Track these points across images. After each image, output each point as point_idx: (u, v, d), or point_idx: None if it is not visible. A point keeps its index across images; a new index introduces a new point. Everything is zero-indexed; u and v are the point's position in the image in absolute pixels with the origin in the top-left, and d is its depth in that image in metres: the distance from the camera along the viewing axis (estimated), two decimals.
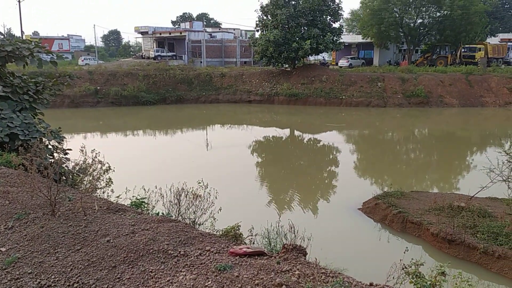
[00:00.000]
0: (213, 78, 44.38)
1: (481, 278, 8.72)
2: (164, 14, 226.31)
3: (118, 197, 7.82)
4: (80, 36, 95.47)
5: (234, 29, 79.60)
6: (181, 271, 4.36)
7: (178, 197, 6.80)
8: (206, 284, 4.08)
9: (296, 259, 4.68)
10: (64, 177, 8.03)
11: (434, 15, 50.33)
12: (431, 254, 9.88)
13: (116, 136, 28.94)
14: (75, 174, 8.33)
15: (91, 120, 34.14)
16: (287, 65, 45.00)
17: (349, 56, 57.54)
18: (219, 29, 79.85)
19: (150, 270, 4.41)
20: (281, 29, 41.88)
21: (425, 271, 4.37)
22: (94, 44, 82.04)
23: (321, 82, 41.34)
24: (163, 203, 7.02)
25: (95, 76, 40.73)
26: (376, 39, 52.22)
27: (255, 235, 6.05)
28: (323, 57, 61.48)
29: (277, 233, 6.35)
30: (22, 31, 58.73)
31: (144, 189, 7.74)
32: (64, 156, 9.07)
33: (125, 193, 8.00)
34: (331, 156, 22.83)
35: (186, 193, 6.84)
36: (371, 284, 4.23)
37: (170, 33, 67.11)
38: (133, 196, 7.56)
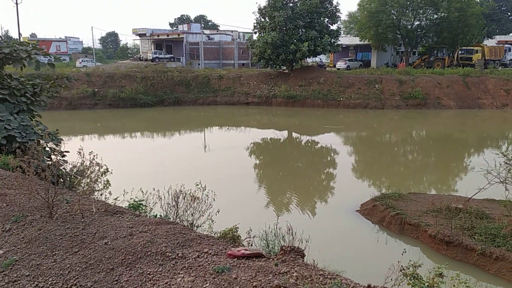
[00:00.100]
0: (211, 80, 44.39)
1: (479, 280, 8.73)
2: (162, 16, 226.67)
3: (116, 199, 7.81)
4: (78, 38, 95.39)
5: (232, 31, 79.70)
6: (179, 273, 4.36)
7: (176, 199, 6.79)
8: (204, 286, 4.08)
9: (294, 261, 4.68)
10: (61, 179, 8.02)
11: (431, 17, 50.55)
12: (429, 255, 9.89)
13: (113, 138, 28.91)
14: (72, 176, 8.32)
15: (88, 122, 34.09)
16: (285, 67, 45.05)
17: (346, 58, 57.68)
18: (217, 31, 79.90)
19: (148, 272, 4.41)
20: (279, 31, 41.94)
21: (423, 273, 4.38)
22: (92, 46, 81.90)
23: (319, 84, 41.40)
24: (161, 205, 7.01)
25: (93, 78, 40.70)
26: (374, 41, 52.38)
27: (253, 237, 6.06)
28: (320, 59, 61.60)
29: (275, 235, 6.35)
30: (19, 33, 58.60)
31: (142, 191, 7.73)
32: (61, 158, 9.05)
33: (123, 195, 7.99)
34: (329, 158, 22.85)
35: (184, 195, 6.83)
36: (369, 286, 4.23)
37: (168, 35, 67.17)
38: (131, 198, 7.55)
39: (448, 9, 46.54)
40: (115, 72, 42.54)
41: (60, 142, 9.78)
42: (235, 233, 5.73)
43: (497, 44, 56.48)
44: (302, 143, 27.45)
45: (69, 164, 8.55)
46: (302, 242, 5.74)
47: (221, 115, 38.93)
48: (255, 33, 46.15)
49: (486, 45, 51.88)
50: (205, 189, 7.03)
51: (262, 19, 44.01)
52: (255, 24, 44.66)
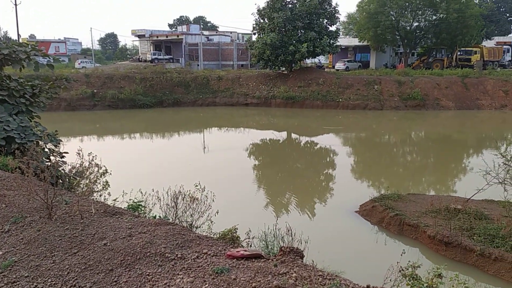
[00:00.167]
0: (210, 81, 44.40)
1: (477, 280, 8.74)
2: (161, 17, 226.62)
3: (115, 200, 7.81)
4: (77, 39, 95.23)
5: (231, 32, 79.67)
6: (178, 274, 4.36)
7: (175, 200, 6.79)
8: (203, 287, 4.08)
9: (293, 261, 4.68)
10: (60, 181, 8.01)
11: (430, 18, 50.63)
12: (428, 256, 9.90)
13: (113, 139, 28.90)
14: (71, 178, 8.31)
15: (87, 123, 34.07)
16: (284, 68, 45.09)
17: (345, 59, 57.76)
18: (216, 32, 79.89)
19: (147, 273, 4.41)
20: (278, 32, 41.99)
21: (422, 274, 4.38)
22: (91, 47, 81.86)
23: (318, 85, 41.43)
24: (160, 206, 7.00)
25: (92, 79, 40.69)
26: (373, 42, 52.44)
27: (252, 238, 6.05)
28: (319, 60, 61.62)
29: (274, 236, 6.35)
30: (18, 34, 58.62)
31: (141, 192, 7.73)
32: (60, 159, 9.04)
33: (122, 196, 7.99)
34: (328, 159, 22.86)
35: (183, 196, 6.83)
36: (368, 287, 4.24)
37: (167, 36, 67.17)
38: (130, 199, 7.54)
39: (446, 10, 46.63)
40: (114, 73, 42.53)
41: (59, 143, 9.77)
42: (234, 234, 5.73)
43: (495, 45, 56.53)
44: (301, 144, 27.46)
45: (68, 165, 8.53)
46: (301, 243, 5.74)
47: (220, 116, 38.94)
48: (254, 34, 46.21)
49: (484, 46, 51.95)
50: (204, 190, 7.03)
51: (261, 20, 44.06)
52: (254, 25, 44.72)
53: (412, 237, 10.78)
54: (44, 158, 8.81)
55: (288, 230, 5.96)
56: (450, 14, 46.37)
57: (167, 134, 30.72)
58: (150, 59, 58.28)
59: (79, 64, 59.21)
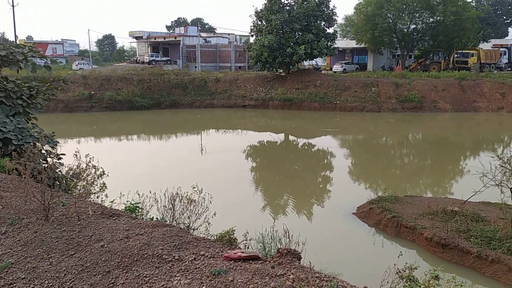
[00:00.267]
0: (208, 83, 44.41)
1: (474, 282, 8.76)
2: (158, 19, 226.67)
3: (112, 202, 7.80)
4: (74, 40, 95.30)
5: (228, 34, 79.73)
6: (175, 276, 4.35)
7: (172, 202, 6.79)
8: None
9: (291, 263, 4.68)
10: (57, 182, 7.99)
11: (427, 20, 50.83)
12: (425, 258, 9.92)
13: (110, 141, 28.85)
14: (69, 179, 8.30)
15: (85, 125, 34.00)
16: (281, 70, 45.13)
17: (343, 61, 57.86)
18: (214, 34, 79.96)
19: (145, 275, 4.40)
20: (275, 34, 42.04)
21: (419, 275, 4.39)
22: (88, 49, 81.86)
23: (315, 87, 41.49)
24: (158, 208, 7.00)
25: (89, 80, 40.62)
26: (370, 44, 52.60)
27: (250, 239, 6.06)
28: (316, 62, 61.73)
29: (271, 238, 6.36)
30: (15, 36, 58.54)
31: (139, 194, 7.73)
32: (57, 161, 9.02)
33: (119, 198, 7.98)
34: (325, 161, 22.89)
35: (180, 198, 6.83)
36: None
37: (164, 38, 67.10)
38: (127, 201, 7.53)
39: (444, 12, 46.80)
40: (111, 75, 42.47)
41: (56, 145, 9.76)
42: (232, 236, 5.73)
43: (492, 47, 56.76)
44: (299, 146, 27.48)
45: (65, 166, 8.53)
46: (298, 245, 5.75)
47: (217, 118, 38.94)
48: (252, 36, 46.19)
49: (481, 48, 52.13)
50: (201, 192, 7.04)
51: (259, 22, 44.10)
52: (252, 27, 44.76)
53: (409, 239, 10.80)
54: (41, 160, 8.78)
55: (286, 232, 5.97)
56: (447, 16, 46.55)
57: (164, 136, 30.70)
58: (147, 60, 58.21)
59: (76, 65, 59.15)
